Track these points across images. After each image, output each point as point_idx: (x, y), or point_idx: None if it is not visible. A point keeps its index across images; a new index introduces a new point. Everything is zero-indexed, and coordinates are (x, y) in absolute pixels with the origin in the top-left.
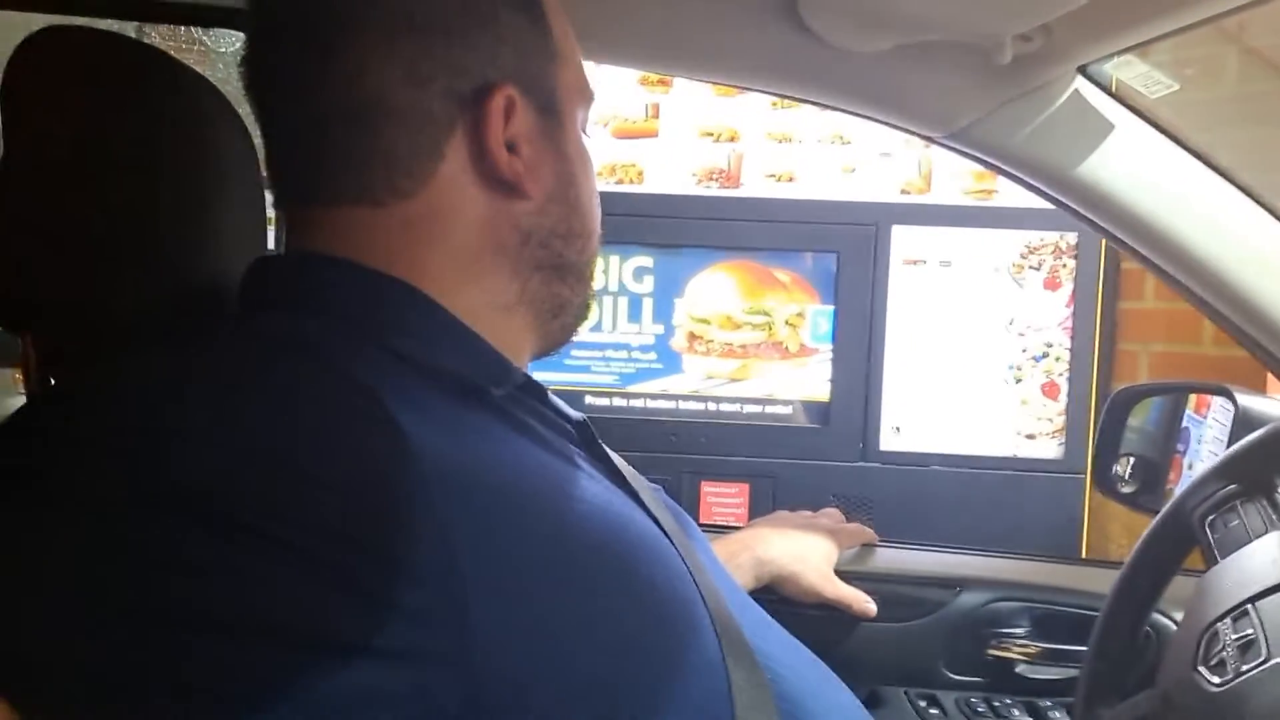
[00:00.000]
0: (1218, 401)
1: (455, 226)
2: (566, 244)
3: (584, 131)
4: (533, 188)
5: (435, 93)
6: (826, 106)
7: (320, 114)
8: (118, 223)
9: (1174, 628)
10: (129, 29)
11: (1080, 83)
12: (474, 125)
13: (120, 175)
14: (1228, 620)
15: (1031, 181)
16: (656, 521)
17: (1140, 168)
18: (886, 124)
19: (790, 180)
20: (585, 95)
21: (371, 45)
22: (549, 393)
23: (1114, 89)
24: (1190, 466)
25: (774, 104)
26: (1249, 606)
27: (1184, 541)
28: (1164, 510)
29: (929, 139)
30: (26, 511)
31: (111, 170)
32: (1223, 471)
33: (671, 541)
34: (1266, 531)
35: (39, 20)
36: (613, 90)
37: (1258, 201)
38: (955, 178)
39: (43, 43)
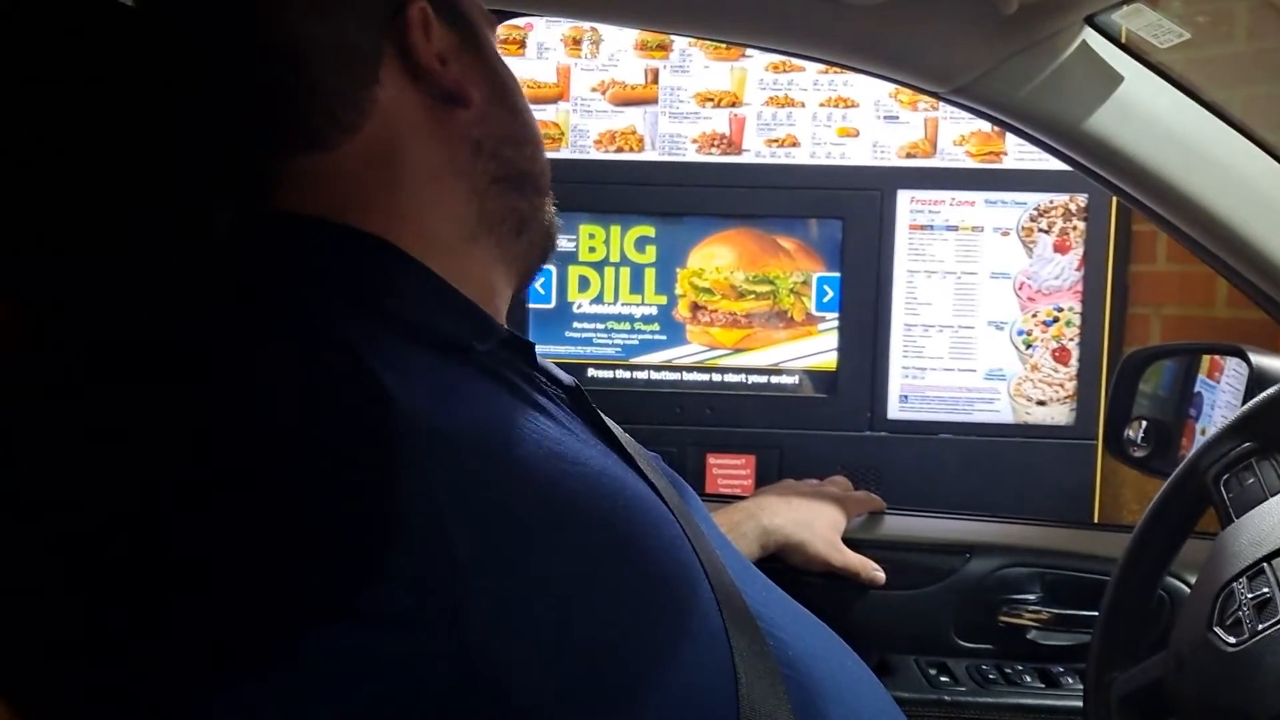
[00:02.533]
0: (1231, 364)
1: (408, 151)
2: (517, 151)
3: None
4: (472, 93)
5: (350, 21)
6: (829, 63)
7: (245, 66)
8: (92, 183)
9: (1187, 591)
10: None
11: (1088, 34)
12: (400, 45)
13: (92, 132)
14: (1244, 579)
15: (1040, 137)
16: (654, 488)
17: (1152, 121)
18: (891, 79)
19: (793, 145)
20: (486, 16)
21: None
22: (535, 351)
23: (1124, 40)
24: (1203, 432)
25: (773, 66)
26: (1265, 565)
27: (1198, 501)
28: (1178, 470)
29: (934, 94)
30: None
31: (83, 127)
32: (1237, 430)
33: (669, 508)
34: None
35: None
36: (611, 54)
37: (1273, 155)
38: (962, 140)
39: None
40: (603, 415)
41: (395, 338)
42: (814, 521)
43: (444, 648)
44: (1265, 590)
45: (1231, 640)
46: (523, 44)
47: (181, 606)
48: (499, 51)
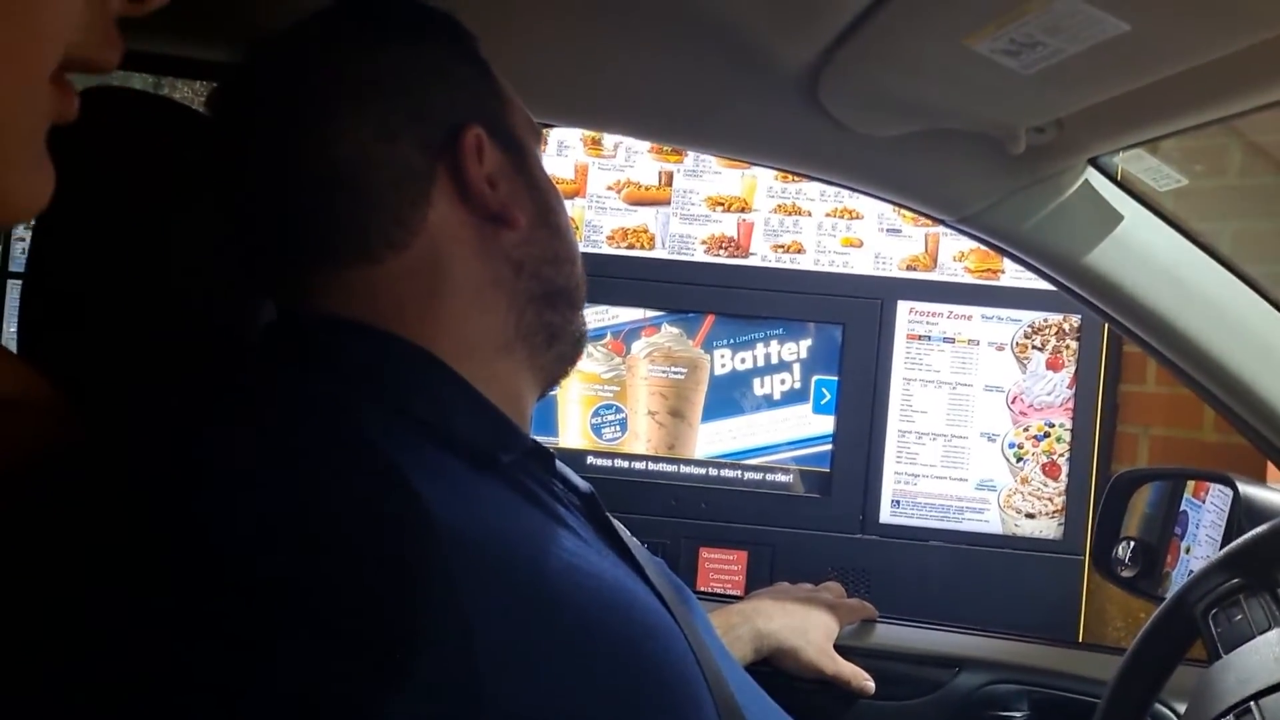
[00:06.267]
0: (1216, 487)
1: (452, 268)
2: (556, 270)
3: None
4: (519, 215)
5: (409, 145)
6: (841, 186)
7: (303, 184)
8: (151, 276)
9: None
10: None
11: (1091, 173)
12: (453, 168)
13: (156, 229)
14: (1230, 717)
15: (1039, 267)
16: (661, 598)
17: (1146, 257)
18: (899, 205)
19: (798, 251)
20: (536, 131)
21: (338, 113)
22: (556, 461)
23: (1119, 177)
24: (1188, 550)
25: (783, 176)
26: (1252, 704)
27: (1186, 634)
28: (1166, 602)
29: (940, 221)
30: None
31: (147, 225)
32: (1226, 564)
33: (675, 619)
34: (1270, 627)
35: None
36: (628, 156)
37: (1259, 293)
38: (961, 256)
39: (85, 103)
40: (615, 523)
41: (427, 444)
42: (808, 628)
43: None
44: None
45: None
46: (544, 141)
47: (207, 711)
48: (544, 167)
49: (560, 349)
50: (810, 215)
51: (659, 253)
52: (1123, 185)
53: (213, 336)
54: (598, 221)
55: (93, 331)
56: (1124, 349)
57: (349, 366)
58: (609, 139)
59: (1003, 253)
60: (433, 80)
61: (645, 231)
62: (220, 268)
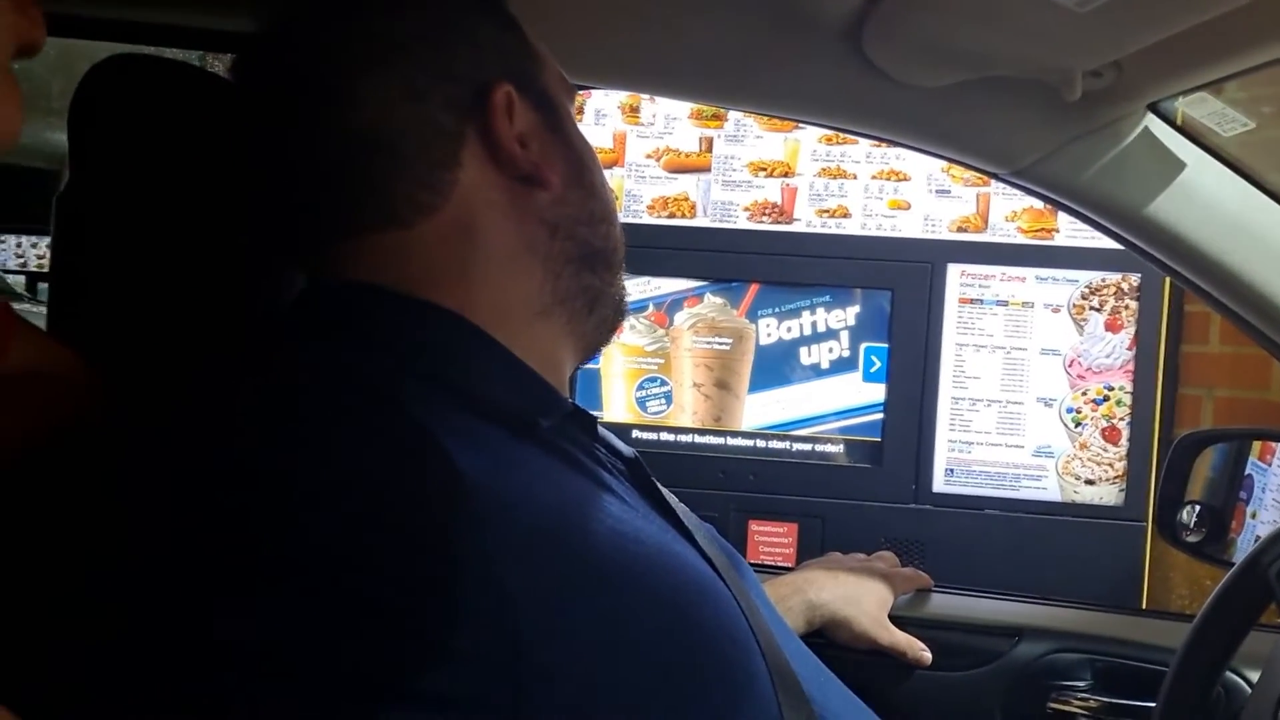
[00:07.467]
0: None
1: (485, 231)
2: (591, 230)
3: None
4: (551, 175)
5: (436, 105)
6: (889, 142)
7: (329, 149)
8: (179, 246)
9: (1248, 689)
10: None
11: (1151, 120)
12: (483, 128)
13: (182, 199)
14: None
15: (1098, 220)
16: (711, 563)
17: (1212, 206)
18: (950, 160)
19: (844, 216)
20: (569, 89)
21: (364, 74)
22: (598, 424)
23: (1180, 122)
24: (1253, 515)
25: (826, 139)
26: None
27: (1259, 597)
28: (1238, 565)
29: (993, 175)
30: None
31: (174, 194)
32: None
33: (726, 584)
34: None
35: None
36: (666, 122)
37: None
38: (1014, 216)
39: (110, 70)
40: (661, 488)
41: (463, 411)
42: (861, 598)
43: None
44: None
45: None
46: (581, 110)
47: (241, 686)
48: (578, 125)
49: (602, 314)
50: (856, 178)
51: (700, 221)
52: (1184, 131)
53: (241, 307)
54: (637, 191)
55: (120, 304)
56: (1185, 308)
57: (381, 334)
58: (647, 106)
59: (1059, 206)
60: (459, 38)
61: (686, 199)
62: (248, 236)
